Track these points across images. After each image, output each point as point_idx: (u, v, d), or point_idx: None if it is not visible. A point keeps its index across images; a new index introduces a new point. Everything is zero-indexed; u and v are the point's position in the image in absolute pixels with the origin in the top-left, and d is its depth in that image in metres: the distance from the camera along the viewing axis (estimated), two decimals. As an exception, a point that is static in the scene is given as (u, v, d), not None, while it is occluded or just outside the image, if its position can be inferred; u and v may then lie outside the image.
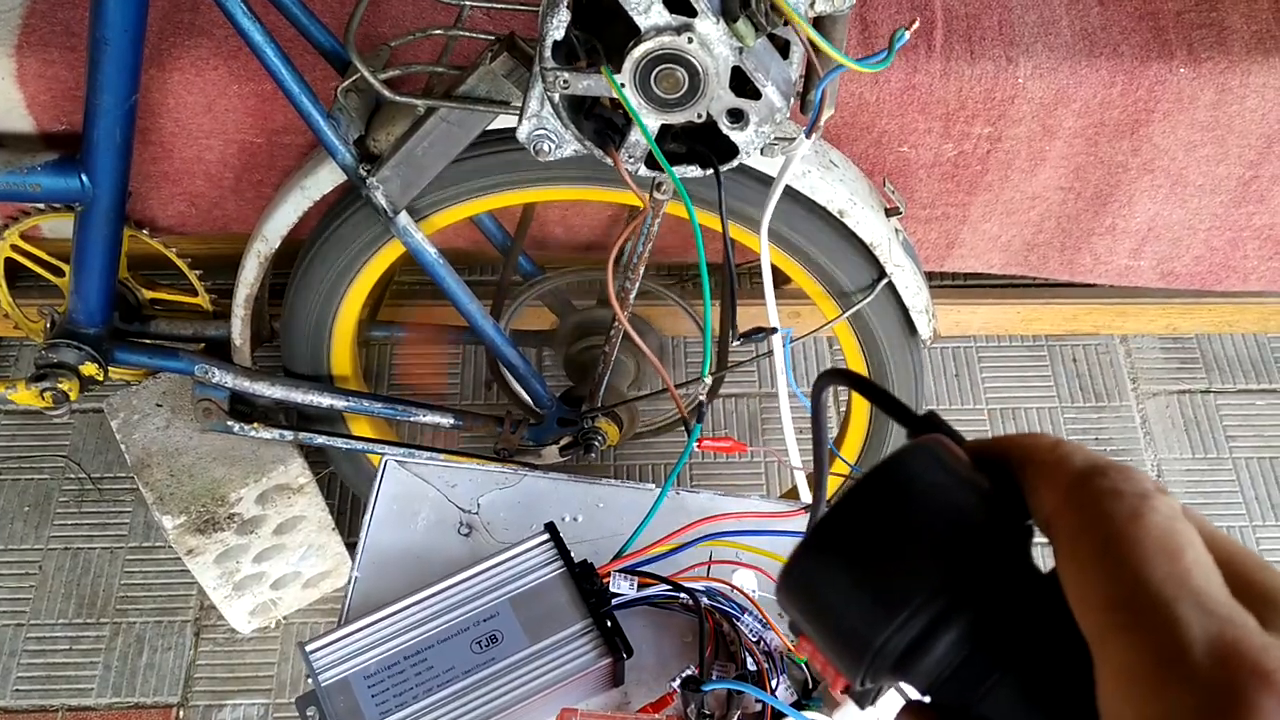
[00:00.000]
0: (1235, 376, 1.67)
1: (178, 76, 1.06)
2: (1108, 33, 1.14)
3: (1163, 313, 1.58)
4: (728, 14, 0.70)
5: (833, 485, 1.20)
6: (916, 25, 0.67)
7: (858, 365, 1.10)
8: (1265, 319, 1.60)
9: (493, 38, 0.89)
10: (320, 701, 0.67)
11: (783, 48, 0.76)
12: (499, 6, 0.96)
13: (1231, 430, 1.63)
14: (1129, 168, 1.20)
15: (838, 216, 0.97)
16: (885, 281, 1.01)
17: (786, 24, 0.73)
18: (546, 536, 0.72)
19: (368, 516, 0.85)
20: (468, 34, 0.93)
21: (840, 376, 0.33)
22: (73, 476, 1.49)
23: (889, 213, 0.99)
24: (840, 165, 0.98)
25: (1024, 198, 1.25)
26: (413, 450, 1.17)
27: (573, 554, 0.71)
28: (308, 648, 0.69)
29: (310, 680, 0.70)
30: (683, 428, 1.27)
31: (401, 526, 0.84)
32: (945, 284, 1.60)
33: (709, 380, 0.80)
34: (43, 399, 1.09)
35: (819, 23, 0.78)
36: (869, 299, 1.01)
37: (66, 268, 1.15)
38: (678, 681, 0.66)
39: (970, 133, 1.16)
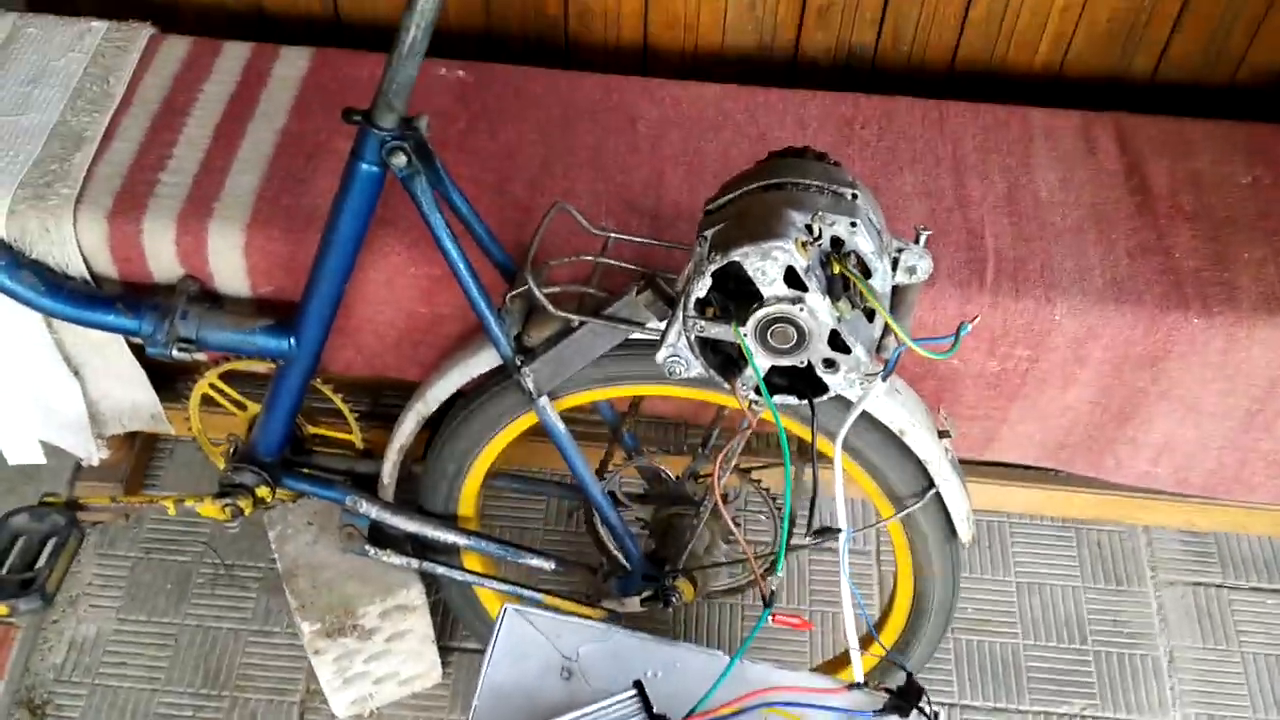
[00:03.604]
0: (1249, 574, 1.82)
1: (367, 257, 1.30)
2: (1133, 282, 1.34)
3: (1181, 510, 1.73)
4: (832, 293, 0.92)
5: (868, 664, 1.37)
6: (977, 320, 0.89)
7: (904, 559, 1.29)
8: (1277, 524, 1.75)
9: (635, 269, 1.12)
10: None
11: (869, 314, 0.98)
12: (635, 240, 1.19)
13: (1243, 625, 1.76)
14: (1149, 393, 1.39)
15: (898, 435, 1.18)
16: (934, 492, 1.21)
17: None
18: (635, 692, 0.90)
19: (488, 655, 1.03)
20: (611, 262, 1.17)
21: None
22: (210, 561, 1.71)
23: (941, 435, 1.20)
24: (903, 392, 1.19)
25: (1056, 407, 1.44)
26: (518, 588, 1.37)
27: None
28: None
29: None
30: (744, 596, 1.46)
31: (514, 666, 1.02)
32: (989, 463, 1.78)
33: (782, 574, 1.00)
34: (223, 513, 1.31)
35: (897, 289, 1.01)
36: (919, 505, 1.21)
37: (250, 404, 1.38)
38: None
39: (1012, 354, 1.37)
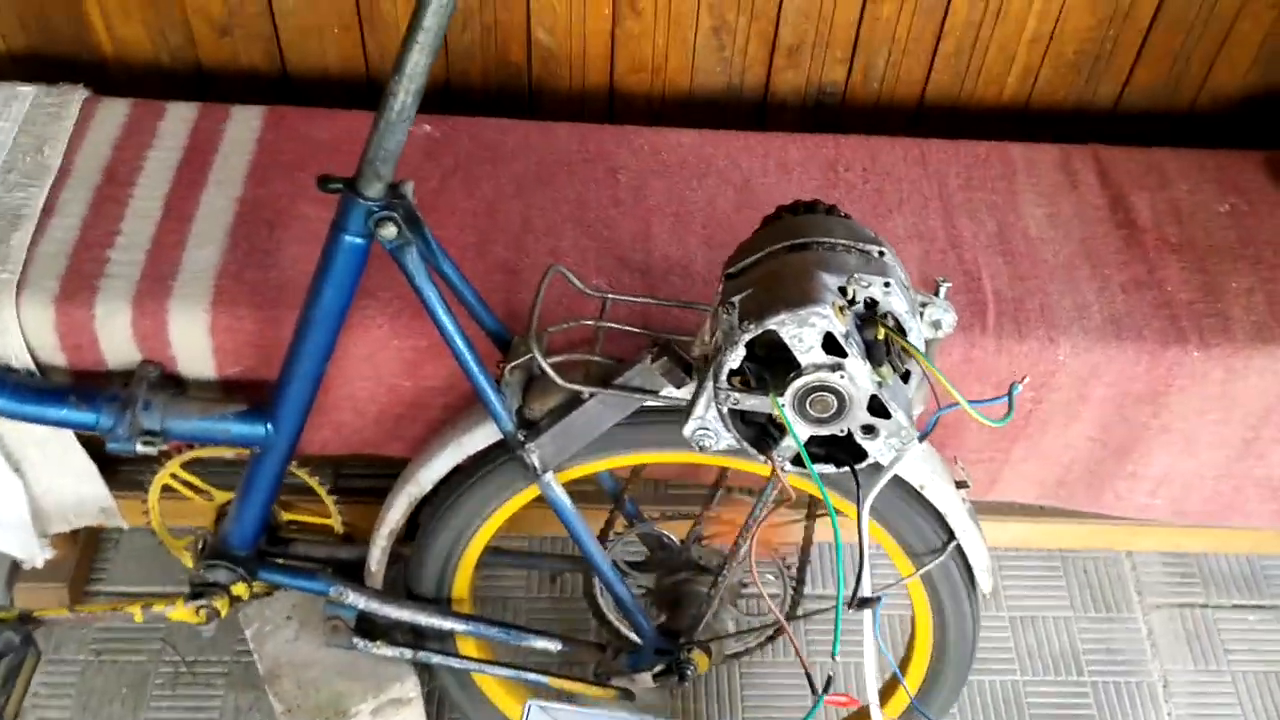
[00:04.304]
0: (1230, 592, 1.82)
1: (347, 331, 1.21)
2: (1131, 318, 1.33)
3: (1169, 534, 1.73)
4: (873, 359, 0.87)
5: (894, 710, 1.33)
6: (1027, 380, 0.85)
7: (924, 611, 1.24)
8: (1257, 543, 1.76)
9: (640, 332, 1.06)
10: None
11: (904, 375, 0.93)
12: (635, 300, 1.13)
13: (1229, 644, 1.76)
14: (1149, 427, 1.38)
15: (918, 489, 1.13)
16: (954, 544, 1.17)
17: (911, 358, 0.91)
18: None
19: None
20: (614, 325, 1.10)
21: None
22: (168, 659, 1.57)
23: (959, 485, 1.16)
24: (922, 445, 1.15)
25: (1058, 446, 1.42)
26: (521, 672, 1.28)
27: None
28: None
29: None
30: (756, 652, 1.40)
31: (542, 767, 0.96)
32: (980, 501, 1.75)
33: (837, 659, 0.94)
34: (198, 616, 1.20)
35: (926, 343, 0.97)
36: (940, 559, 1.17)
37: (216, 492, 1.28)
38: None
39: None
